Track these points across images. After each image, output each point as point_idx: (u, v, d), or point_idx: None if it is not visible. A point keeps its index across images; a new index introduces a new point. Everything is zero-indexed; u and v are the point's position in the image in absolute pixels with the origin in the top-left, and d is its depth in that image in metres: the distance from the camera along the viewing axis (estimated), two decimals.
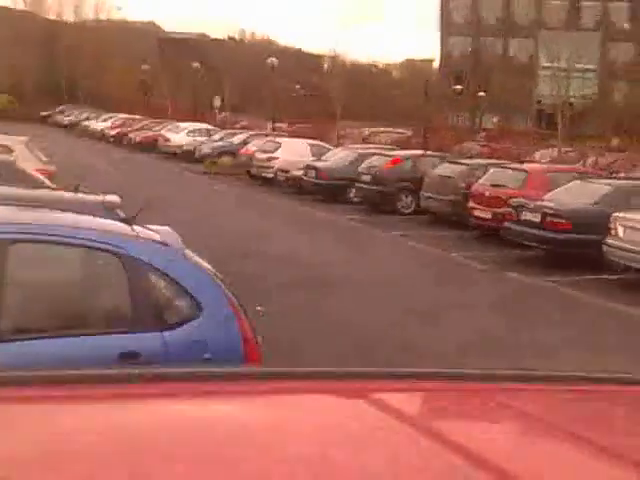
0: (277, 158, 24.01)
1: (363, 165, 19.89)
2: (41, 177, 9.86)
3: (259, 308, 7.26)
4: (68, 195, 6.60)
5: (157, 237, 4.50)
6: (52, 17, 72.64)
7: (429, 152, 22.33)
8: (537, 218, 12.77)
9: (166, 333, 3.94)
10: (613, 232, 11.69)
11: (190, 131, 35.45)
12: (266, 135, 29.96)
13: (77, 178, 7.54)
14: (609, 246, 11.63)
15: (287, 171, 22.96)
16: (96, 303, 4.21)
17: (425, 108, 32.80)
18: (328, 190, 20.47)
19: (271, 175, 23.95)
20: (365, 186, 19.26)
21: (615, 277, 11.56)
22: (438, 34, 64.43)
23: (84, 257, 4.24)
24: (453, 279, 11.74)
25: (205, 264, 4.75)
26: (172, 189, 20.90)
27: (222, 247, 11.21)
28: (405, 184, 18.64)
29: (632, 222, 11.53)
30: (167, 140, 35.24)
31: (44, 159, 13.68)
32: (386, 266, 12.55)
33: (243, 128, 38.74)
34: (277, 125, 37.47)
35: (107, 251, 4.12)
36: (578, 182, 13.86)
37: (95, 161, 27.67)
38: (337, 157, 22.13)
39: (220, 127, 38.08)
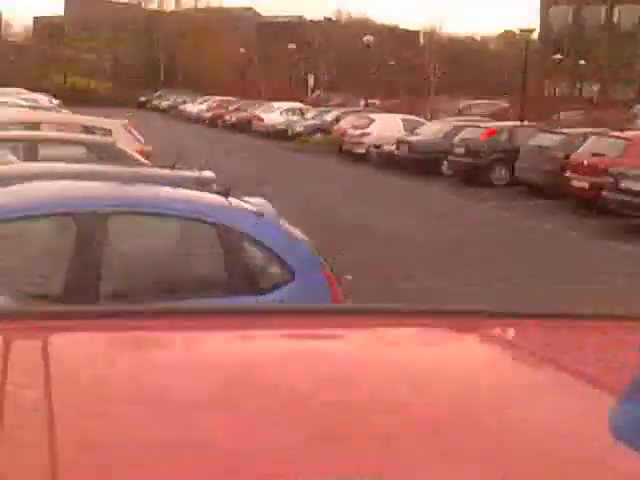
0: (370, 134, 23.96)
1: (457, 138, 19.67)
2: (139, 157, 10.12)
3: (349, 277, 7.32)
4: (164, 172, 6.78)
5: (252, 208, 4.60)
6: (153, 7, 74.31)
7: (525, 122, 21.91)
8: (637, 187, 12.44)
9: (260, 297, 4.04)
10: None
11: (284, 110, 35.68)
12: (359, 112, 29.92)
13: (173, 158, 7.72)
14: None
15: (379, 146, 22.90)
16: (193, 270, 4.36)
17: (522, 78, 32.17)
18: (420, 164, 20.33)
19: (363, 151, 23.92)
20: (458, 159, 19.07)
21: None
22: (538, 3, 62.97)
23: (180, 227, 4.39)
24: (551, 249, 11.56)
25: (299, 233, 4.83)
26: (263, 166, 21.09)
27: (316, 220, 11.30)
28: (500, 155, 18.36)
29: None
30: (261, 120, 35.55)
31: (142, 140, 14.02)
32: (482, 239, 12.42)
33: (336, 106, 38.75)
34: (370, 101, 37.35)
35: (202, 221, 4.25)
36: None
37: (190, 142, 28.15)
38: (430, 130, 21.95)
39: (313, 106, 38.20)
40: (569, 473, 0.75)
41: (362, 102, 36.93)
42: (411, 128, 23.07)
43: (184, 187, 5.09)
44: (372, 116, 26.32)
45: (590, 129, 18.27)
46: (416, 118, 25.81)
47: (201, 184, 6.13)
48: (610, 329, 1.29)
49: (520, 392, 0.98)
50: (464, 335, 1.29)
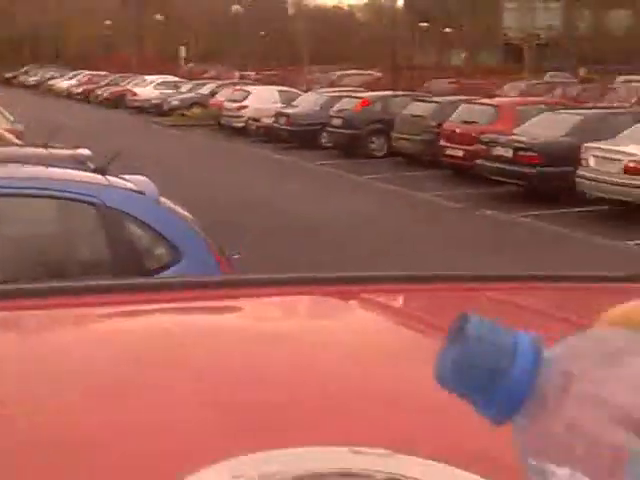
0: (247, 107, 23.84)
1: (333, 109, 19.80)
2: (10, 136, 9.74)
3: (236, 256, 7.29)
4: (38, 151, 6.54)
5: (132, 186, 4.49)
6: None
7: (399, 92, 22.25)
8: (509, 153, 12.84)
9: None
10: (584, 163, 11.77)
11: (157, 84, 35.06)
12: (234, 84, 29.70)
13: (46, 136, 7.47)
14: (581, 177, 11.71)
15: (257, 119, 22.82)
16: (74, 254, 4.22)
17: (391, 48, 32.61)
18: (299, 136, 20.38)
19: (242, 124, 23.80)
20: (336, 130, 19.21)
21: (590, 209, 11.61)
22: None
23: (59, 209, 4.24)
24: (426, 218, 11.80)
25: (182, 211, 4.76)
26: (141, 143, 20.69)
27: (196, 196, 11.18)
28: (376, 126, 18.59)
29: (602, 152, 11.61)
30: (134, 95, 34.82)
31: (11, 119, 13.51)
32: (358, 209, 12.57)
33: (211, 78, 38.34)
34: (245, 73, 37.13)
35: (82, 201, 4.12)
36: (548, 114, 13.91)
37: (62, 119, 27.31)
38: (307, 102, 22.01)
39: (187, 78, 37.67)
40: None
41: (237, 74, 36.69)
42: (288, 100, 23.07)
43: (59, 166, 4.92)
44: (248, 88, 26.18)
45: (461, 97, 18.74)
46: (292, 90, 25.83)
47: (77, 162, 5.95)
48: (503, 291, 1.32)
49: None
50: (345, 302, 1.30)
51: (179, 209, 4.71)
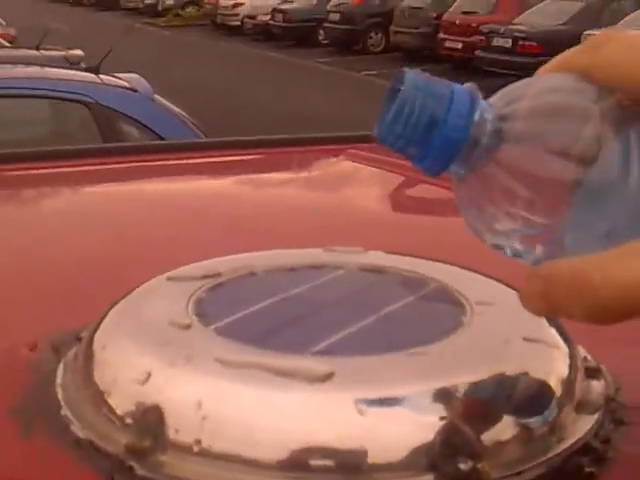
0: (243, 4, 23.31)
1: (331, 3, 19.38)
2: (2, 41, 9.60)
3: None
4: (30, 52, 6.47)
5: (125, 84, 4.46)
6: None
7: None
8: (508, 43, 12.64)
9: None
10: None
11: None
12: None
13: (38, 40, 7.38)
14: None
15: (254, 17, 22.36)
16: None
17: None
18: (296, 33, 20.01)
19: (237, 23, 23.31)
20: (334, 26, 18.84)
21: None
22: None
23: (51, 108, 4.22)
24: None
25: (176, 109, 4.73)
26: (134, 45, 20.33)
27: (191, 97, 11.08)
28: (375, 20, 18.21)
29: None
30: None
31: (3, 23, 13.29)
32: (355, 108, 12.44)
33: None
34: None
35: (75, 100, 4.10)
36: (549, 2, 13.63)
37: (55, 23, 26.83)
38: None
39: None
40: None
41: None
42: None
43: (51, 66, 4.86)
44: None
45: None
46: None
47: (70, 63, 5.88)
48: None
49: None
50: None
51: (173, 107, 4.69)
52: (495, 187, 0.41)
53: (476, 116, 0.41)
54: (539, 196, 0.41)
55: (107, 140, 4.06)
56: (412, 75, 0.42)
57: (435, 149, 0.41)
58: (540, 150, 0.40)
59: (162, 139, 4.20)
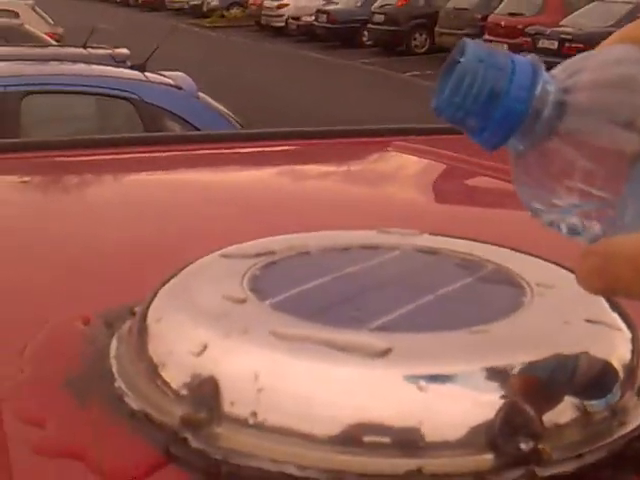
0: (287, 5, 23.38)
1: (375, 5, 19.35)
2: (50, 39, 9.73)
3: None
4: (77, 50, 6.55)
5: (170, 81, 4.50)
6: None
7: None
8: (554, 45, 12.52)
9: None
10: None
11: None
12: None
13: (85, 39, 7.48)
14: None
15: (298, 18, 22.41)
16: None
17: None
18: (340, 34, 20.00)
19: (282, 24, 23.38)
20: (378, 27, 18.80)
21: None
22: None
23: (97, 104, 4.28)
24: None
25: (221, 107, 4.76)
26: (180, 46, 20.49)
27: (234, 96, 11.15)
28: (419, 21, 18.14)
29: None
30: None
31: (51, 22, 13.46)
32: (399, 109, 12.42)
33: None
34: None
35: (120, 97, 4.15)
36: (597, 3, 13.47)
37: (101, 23, 27.16)
38: None
39: None
40: None
41: None
42: None
43: (98, 64, 4.92)
44: None
45: None
46: None
47: (116, 61, 5.95)
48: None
49: None
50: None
51: (217, 105, 4.71)
52: (556, 160, 0.40)
53: (538, 88, 0.41)
54: (601, 169, 0.40)
55: None
56: (473, 46, 0.41)
57: (496, 121, 0.40)
58: (603, 122, 0.40)
59: None
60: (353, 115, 11.47)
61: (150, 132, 4.10)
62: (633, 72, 0.41)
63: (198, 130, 4.22)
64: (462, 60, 0.41)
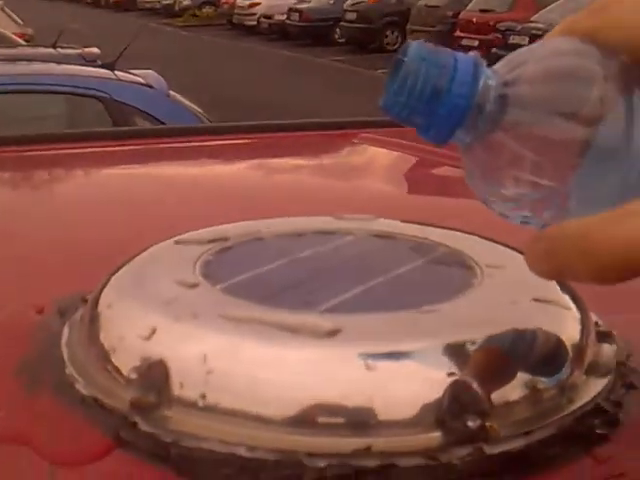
0: (259, 4, 23.35)
1: (348, 2, 19.37)
2: (19, 40, 9.65)
3: None
4: (46, 50, 6.51)
5: (140, 80, 4.48)
6: None
7: None
8: (525, 41, 12.58)
9: None
10: None
11: None
12: None
13: (55, 39, 7.44)
14: None
15: (270, 16, 22.38)
16: None
17: None
18: (313, 33, 20.01)
19: (254, 22, 23.34)
20: (350, 25, 18.83)
21: None
22: None
23: (67, 103, 4.24)
24: None
25: (192, 105, 4.75)
26: (152, 45, 20.42)
27: (207, 94, 11.11)
28: (391, 19, 18.20)
29: None
30: None
31: (21, 22, 13.35)
32: (371, 105, 12.42)
33: None
34: None
35: (90, 96, 4.12)
36: (568, 0, 13.55)
37: (72, 23, 26.98)
38: None
39: None
40: None
41: None
42: None
43: (67, 64, 4.88)
44: None
45: None
46: None
47: (86, 60, 5.91)
48: None
49: None
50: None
51: (188, 103, 4.70)
52: (502, 152, 0.41)
53: (480, 83, 0.41)
54: (545, 159, 0.40)
55: None
56: (416, 45, 0.42)
57: (440, 118, 0.41)
58: (544, 112, 0.40)
59: None
60: (324, 109, 11.48)
61: None
62: (573, 63, 0.41)
63: None
64: (405, 60, 0.41)
